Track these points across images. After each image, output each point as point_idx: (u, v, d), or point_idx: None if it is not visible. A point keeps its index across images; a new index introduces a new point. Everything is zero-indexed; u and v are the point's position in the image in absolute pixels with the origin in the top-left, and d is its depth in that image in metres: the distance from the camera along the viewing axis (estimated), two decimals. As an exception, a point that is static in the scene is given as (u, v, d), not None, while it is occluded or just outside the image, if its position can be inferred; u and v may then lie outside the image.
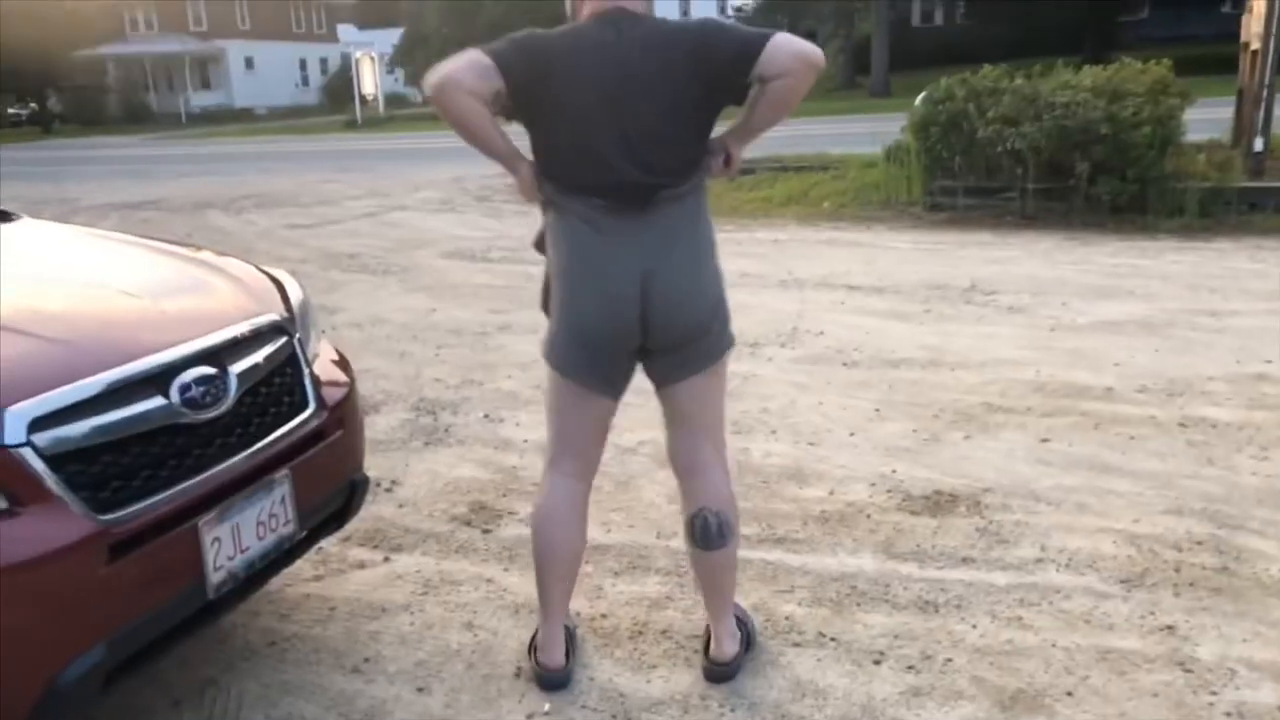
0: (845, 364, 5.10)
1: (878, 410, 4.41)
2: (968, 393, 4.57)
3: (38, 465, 1.80)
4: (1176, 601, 2.80)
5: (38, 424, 1.81)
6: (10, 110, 45.85)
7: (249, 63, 49.69)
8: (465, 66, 2.13)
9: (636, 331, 2.27)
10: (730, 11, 44.35)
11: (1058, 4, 30.34)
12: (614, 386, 2.41)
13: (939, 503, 3.47)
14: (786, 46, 2.15)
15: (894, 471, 3.74)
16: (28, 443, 1.79)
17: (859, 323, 5.86)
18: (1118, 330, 5.50)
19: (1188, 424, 4.10)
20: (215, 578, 2.08)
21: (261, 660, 2.67)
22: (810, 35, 42.32)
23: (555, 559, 2.50)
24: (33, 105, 44.66)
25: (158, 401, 2.01)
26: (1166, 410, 4.26)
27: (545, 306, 2.43)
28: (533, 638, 2.62)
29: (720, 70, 2.20)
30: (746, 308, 6.20)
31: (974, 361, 5.02)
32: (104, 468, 1.90)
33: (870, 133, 12.07)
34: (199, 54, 48.82)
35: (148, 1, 48.74)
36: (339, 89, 41.85)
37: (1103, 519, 3.31)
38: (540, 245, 2.43)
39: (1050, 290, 6.45)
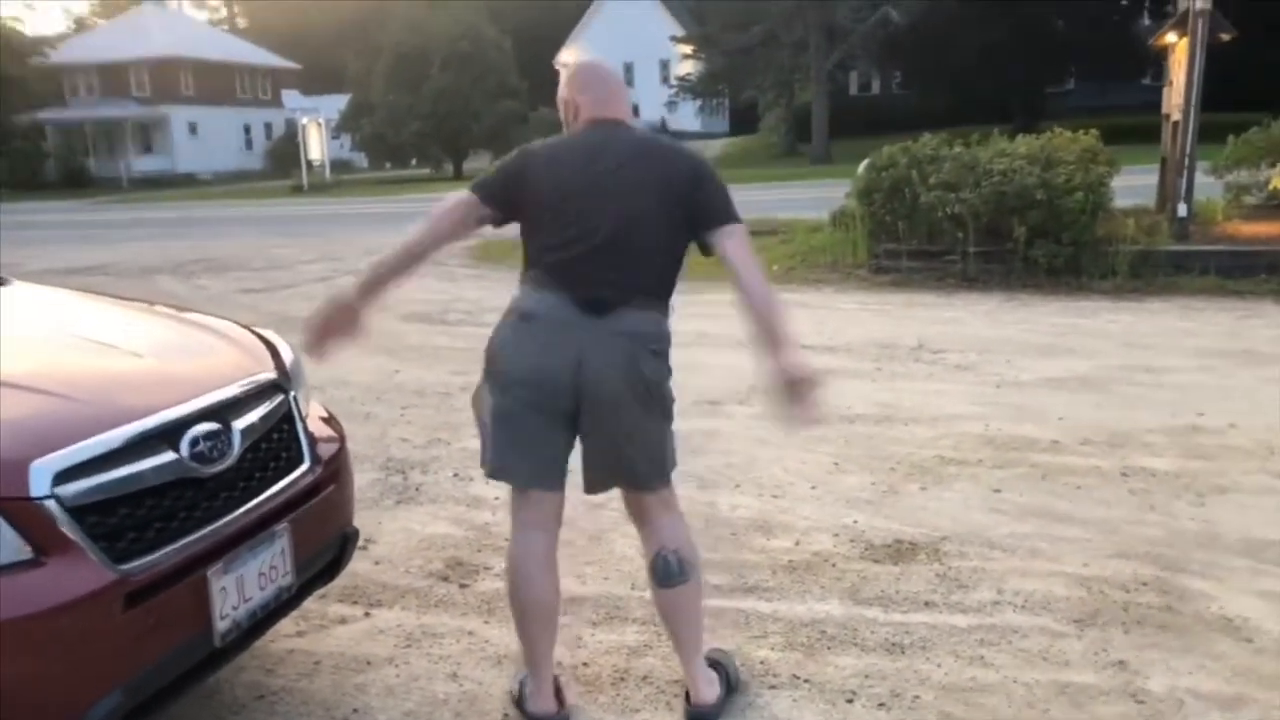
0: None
1: (836, 464, 4.57)
2: (921, 446, 4.76)
3: (60, 516, 1.87)
4: (1126, 639, 2.97)
5: (61, 477, 1.89)
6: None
7: (193, 128, 49.56)
8: (447, 204, 2.55)
9: None
10: (674, 81, 45.42)
11: (989, 75, 31.61)
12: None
13: (900, 551, 3.63)
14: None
15: (855, 522, 3.90)
16: (52, 495, 1.87)
17: (813, 381, 6.05)
18: (1060, 386, 5.76)
19: (1129, 473, 4.33)
20: (221, 626, 2.15)
21: (251, 713, 2.71)
22: (751, 104, 43.50)
23: (534, 609, 2.59)
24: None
25: (169, 456, 2.10)
26: (1109, 461, 4.49)
27: None
28: (520, 689, 2.69)
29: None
30: (706, 366, 6.38)
31: (926, 416, 5.23)
32: (121, 519, 1.98)
33: (814, 198, 12.49)
34: (141, 119, 48.61)
35: (90, 69, 48.57)
36: (284, 154, 41.91)
37: (1054, 563, 3.48)
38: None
39: (995, 349, 6.73)
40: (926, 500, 4.11)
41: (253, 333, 2.88)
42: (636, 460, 2.51)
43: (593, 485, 2.58)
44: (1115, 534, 3.70)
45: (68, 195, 37.71)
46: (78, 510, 1.90)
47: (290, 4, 63.58)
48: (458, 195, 2.53)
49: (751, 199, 18.40)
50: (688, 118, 54.52)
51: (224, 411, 2.30)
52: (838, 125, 32.90)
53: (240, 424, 2.32)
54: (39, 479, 1.86)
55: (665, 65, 52.60)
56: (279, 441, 2.47)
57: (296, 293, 10.67)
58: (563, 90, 2.64)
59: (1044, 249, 8.90)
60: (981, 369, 6.21)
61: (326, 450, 2.66)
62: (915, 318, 7.98)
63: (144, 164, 46.90)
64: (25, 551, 1.82)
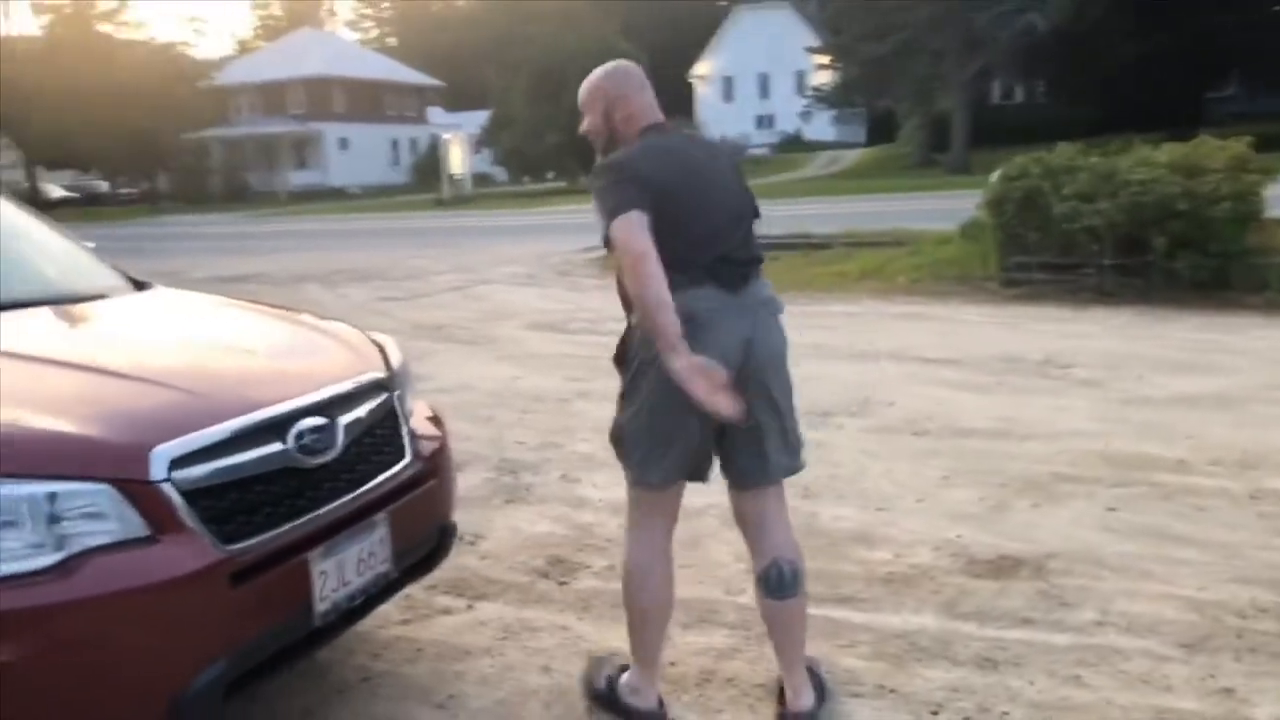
0: (915, 433, 5.21)
1: (946, 478, 4.50)
2: (1037, 462, 4.63)
3: (175, 499, 2.05)
4: (1237, 666, 2.84)
5: (177, 463, 2.07)
6: (122, 190, 48.54)
7: (343, 143, 51.98)
8: (641, 232, 2.31)
9: None
10: (809, 91, 45.09)
11: (1142, 81, 30.26)
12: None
13: (1003, 567, 3.55)
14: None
15: (959, 536, 3.83)
16: (168, 479, 2.05)
17: (931, 393, 5.96)
18: (1194, 404, 5.51)
19: (1259, 496, 4.12)
20: (320, 607, 2.30)
21: (355, 694, 2.88)
22: (888, 114, 42.79)
23: (661, 606, 2.67)
24: (145, 184, 47.17)
25: (276, 447, 2.27)
26: (1239, 483, 4.27)
27: None
28: (609, 686, 2.74)
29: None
30: (819, 378, 6.35)
31: (1044, 432, 5.08)
32: (230, 504, 2.15)
33: (948, 209, 12.23)
34: (297, 135, 51.27)
35: (251, 89, 51.53)
36: (428, 168, 43.42)
37: (1167, 585, 3.35)
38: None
39: (1126, 364, 6.47)
40: (1036, 517, 4.01)
41: (366, 336, 3.05)
42: (787, 435, 2.61)
43: (744, 476, 2.63)
44: (1237, 558, 3.53)
45: (230, 208, 40.06)
46: (191, 494, 2.07)
47: (437, 24, 65.90)
48: (637, 221, 2.35)
49: (882, 209, 18.15)
50: (823, 128, 54.08)
51: (330, 407, 2.45)
52: (978, 135, 32.08)
53: (345, 419, 2.47)
54: (157, 464, 2.04)
55: (801, 76, 52.34)
56: (381, 437, 2.62)
57: (431, 301, 11.10)
58: (610, 95, 2.61)
59: (1188, 260, 8.49)
60: (1109, 385, 5.99)
61: (428, 447, 2.81)
62: (1044, 332, 7.74)
63: (299, 178, 49.43)
64: (143, 529, 2.00)
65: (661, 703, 2.69)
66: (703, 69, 61.87)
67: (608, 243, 2.41)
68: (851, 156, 44.83)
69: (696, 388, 2.22)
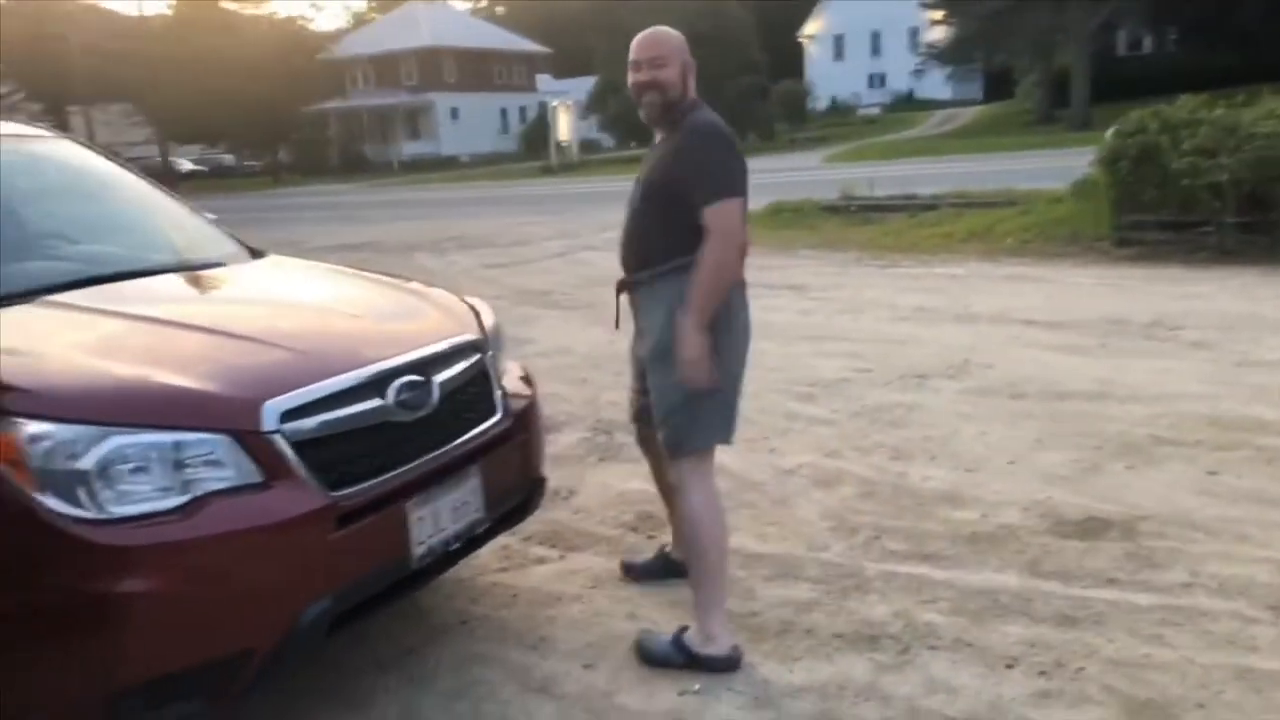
0: (1012, 396, 5.16)
1: (1040, 440, 4.46)
2: (1135, 425, 4.55)
3: (285, 449, 2.24)
4: (1329, 629, 2.80)
5: (287, 415, 2.26)
6: (247, 163, 50.57)
7: (454, 113, 52.89)
8: (744, 221, 2.67)
9: None
10: (922, 48, 43.85)
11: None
12: None
13: (1091, 528, 3.54)
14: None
15: (1049, 497, 3.82)
16: (279, 430, 2.24)
17: (1031, 356, 5.88)
18: (1311, 367, 5.30)
19: (1373, 461, 3.98)
20: (417, 551, 2.49)
21: (454, 635, 3.07)
22: (1006, 70, 41.25)
23: (726, 548, 2.85)
24: (268, 156, 48.99)
25: (377, 402, 2.44)
26: (1352, 447, 4.13)
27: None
28: (679, 643, 2.81)
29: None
30: (919, 341, 6.33)
31: (1146, 395, 4.98)
32: (334, 454, 2.33)
33: (1064, 167, 11.84)
34: (410, 106, 52.38)
35: (365, 61, 52.80)
36: (536, 135, 43.87)
37: (1263, 549, 3.30)
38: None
39: (1241, 326, 6.25)
40: (1131, 479, 3.96)
41: (462, 301, 3.21)
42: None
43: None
44: (1341, 523, 3.45)
45: (347, 179, 41.34)
46: (299, 444, 2.27)
47: (544, -9, 66.18)
48: (742, 208, 2.65)
49: (995, 169, 17.66)
50: (937, 85, 52.49)
51: (427, 366, 2.62)
52: (1102, 89, 30.65)
53: (440, 378, 2.64)
54: (269, 416, 2.24)
55: (914, 33, 50.86)
56: (474, 395, 2.79)
57: (535, 267, 11.34)
58: (687, 60, 2.76)
59: (1316, 218, 8.09)
60: (1221, 347, 5.80)
61: (519, 405, 2.97)
62: (1155, 293, 7.50)
63: (412, 148, 50.55)
64: (257, 475, 2.20)
65: (736, 645, 2.81)
66: (812, 28, 60.64)
67: (677, 195, 2.65)
68: (967, 115, 43.47)
69: (703, 358, 2.61)
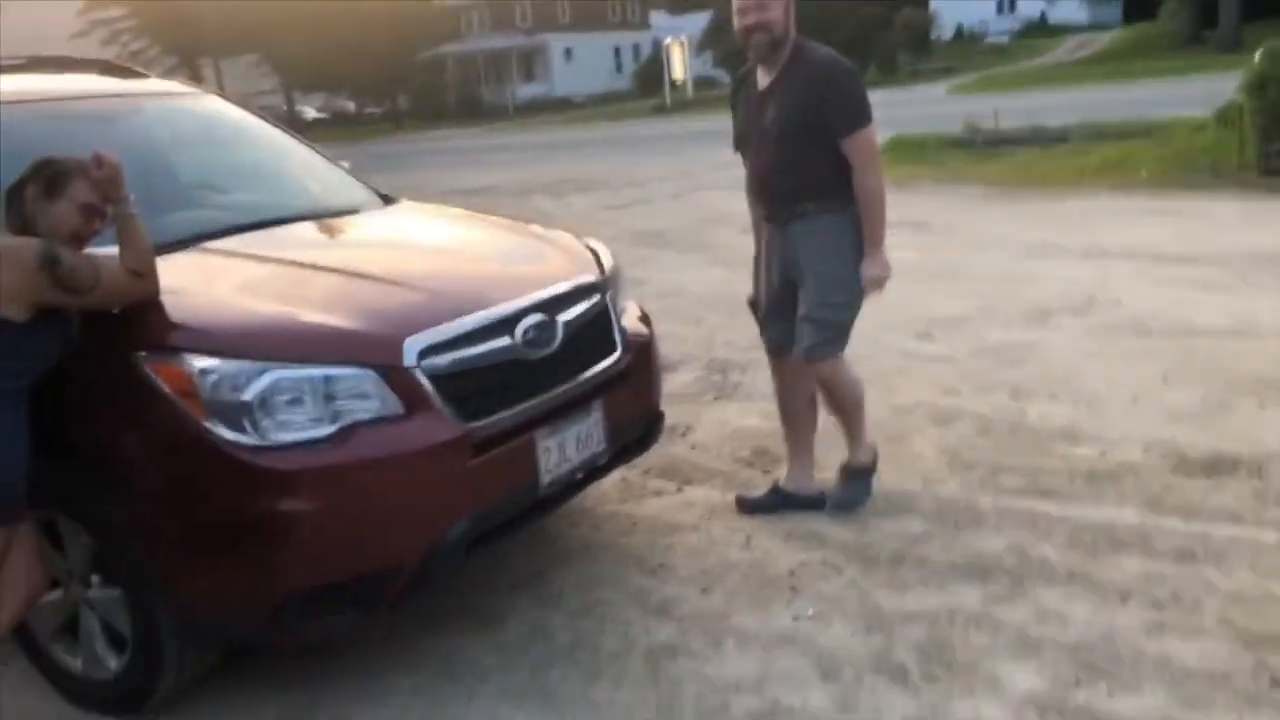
0: (1139, 333, 5.04)
1: (1165, 378, 4.37)
2: (1271, 363, 4.41)
3: (425, 382, 2.42)
4: None
5: (425, 352, 2.44)
6: (368, 109, 51.76)
7: (568, 54, 52.90)
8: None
9: None
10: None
11: None
12: None
13: (1217, 465, 3.49)
14: None
15: (1173, 436, 3.76)
16: (418, 365, 2.42)
17: (1161, 293, 5.71)
18: None
19: None
20: (545, 479, 2.65)
21: (578, 559, 3.26)
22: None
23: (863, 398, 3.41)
24: (387, 103, 50.11)
25: (506, 340, 2.60)
26: None
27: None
28: (777, 491, 3.44)
29: None
30: (1043, 278, 6.20)
31: (1284, 332, 4.80)
32: (468, 388, 2.50)
33: (1210, 93, 11.25)
34: (524, 48, 52.61)
35: (481, 4, 53.17)
36: (650, 74, 43.62)
37: (1401, 489, 3.20)
38: None
39: (1394, 259, 5.92)
40: (1262, 417, 3.86)
41: (582, 243, 3.34)
42: None
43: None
44: None
45: (464, 123, 41.92)
46: (437, 378, 2.44)
47: (658, -75, 65.12)
48: (875, 133, 3.07)
49: (1133, 97, 16.87)
50: (1072, 9, 49.97)
51: (551, 306, 2.76)
52: (1256, 6, 28.66)
53: (563, 317, 2.78)
54: (409, 353, 2.41)
55: (1046, -47, 48.35)
56: (596, 333, 2.92)
57: (650, 208, 11.43)
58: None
59: None
60: (1370, 281, 5.52)
61: (638, 343, 3.10)
62: (1301, 225, 7.13)
63: (526, 90, 50.86)
64: (399, 407, 2.39)
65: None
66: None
67: (816, 128, 3.03)
68: (1104, 39, 41.29)
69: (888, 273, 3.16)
